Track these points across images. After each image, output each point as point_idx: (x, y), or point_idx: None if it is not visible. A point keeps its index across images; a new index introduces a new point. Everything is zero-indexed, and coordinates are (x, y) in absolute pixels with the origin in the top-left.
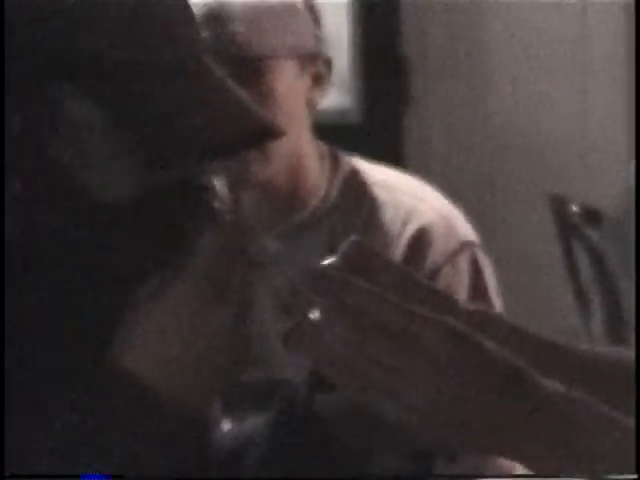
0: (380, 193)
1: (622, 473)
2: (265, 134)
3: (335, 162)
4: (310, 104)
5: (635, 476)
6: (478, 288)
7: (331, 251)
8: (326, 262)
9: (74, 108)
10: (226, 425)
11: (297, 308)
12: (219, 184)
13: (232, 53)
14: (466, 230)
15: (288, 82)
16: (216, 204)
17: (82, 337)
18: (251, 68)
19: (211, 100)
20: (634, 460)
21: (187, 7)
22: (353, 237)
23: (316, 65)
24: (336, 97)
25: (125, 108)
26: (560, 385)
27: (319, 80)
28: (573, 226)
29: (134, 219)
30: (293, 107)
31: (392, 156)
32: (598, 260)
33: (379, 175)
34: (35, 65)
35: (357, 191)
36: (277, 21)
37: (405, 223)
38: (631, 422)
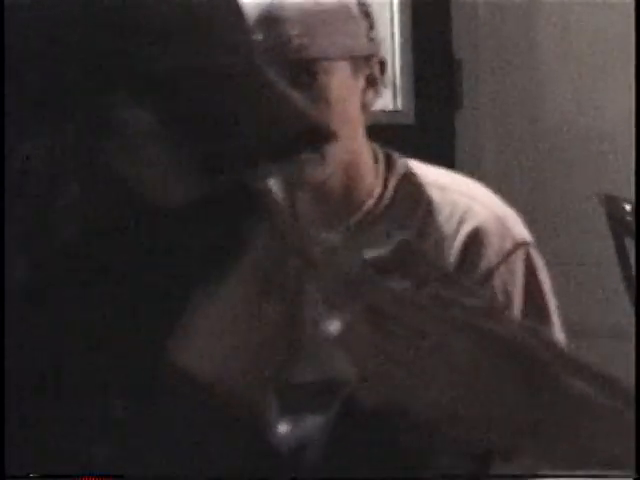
0: (435, 194)
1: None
2: (318, 137)
3: (389, 163)
4: (364, 105)
5: (635, 476)
6: (532, 287)
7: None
8: (372, 256)
9: (128, 115)
10: (283, 427)
11: (335, 307)
12: (275, 185)
13: (287, 56)
14: (520, 230)
15: (342, 84)
16: (272, 205)
17: (140, 338)
18: (306, 70)
19: (264, 104)
20: (634, 460)
21: (238, 11)
22: (403, 237)
23: (370, 67)
24: (389, 99)
25: (178, 113)
26: (588, 388)
27: (373, 82)
28: (626, 224)
29: (190, 222)
30: (347, 108)
31: (445, 156)
32: None
33: (433, 176)
34: (88, 74)
35: (412, 192)
36: (331, 23)
37: (460, 223)
38: None
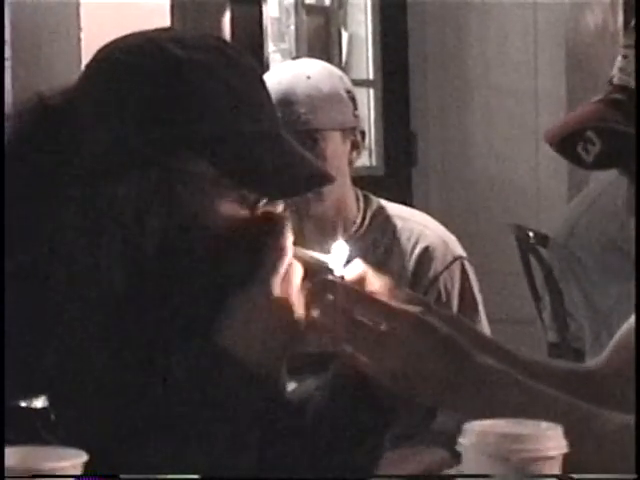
0: (398, 223)
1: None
2: (322, 179)
3: (367, 202)
4: (350, 162)
5: (635, 476)
6: (466, 288)
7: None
8: (337, 274)
9: (192, 165)
10: (291, 385)
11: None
12: (291, 216)
13: (297, 127)
14: (457, 248)
15: (335, 147)
16: (286, 229)
17: (194, 327)
18: (310, 137)
19: (286, 158)
20: (634, 460)
21: (269, 95)
22: (357, 259)
23: (354, 135)
24: (367, 158)
25: (228, 165)
26: (491, 360)
27: (356, 146)
28: (530, 246)
29: (232, 241)
30: (339, 164)
31: (404, 197)
32: (547, 270)
33: (397, 210)
34: (164, 135)
35: (382, 221)
36: (327, 105)
37: (415, 244)
38: (551, 392)
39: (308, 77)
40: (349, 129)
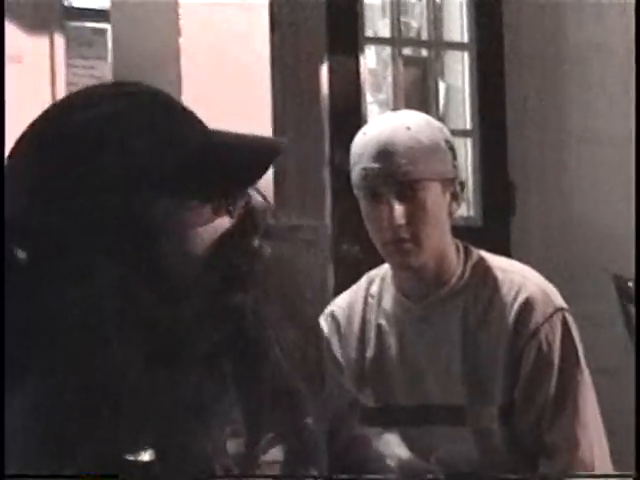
0: (498, 274)
1: None
2: (272, 150)
3: (467, 253)
4: (450, 213)
5: (635, 475)
6: (567, 340)
7: (465, 315)
8: None
9: (161, 202)
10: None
11: None
12: (391, 268)
13: (397, 178)
14: (558, 299)
15: (435, 198)
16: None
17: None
18: (410, 188)
19: (229, 150)
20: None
21: (192, 113)
22: None
23: (454, 186)
24: (465, 208)
25: (184, 185)
26: None
27: (455, 197)
28: (629, 295)
29: (219, 249)
30: (438, 215)
31: (503, 248)
32: None
33: (497, 262)
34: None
35: (483, 273)
36: (427, 156)
37: (516, 295)
38: None
39: (408, 128)
40: (449, 180)
